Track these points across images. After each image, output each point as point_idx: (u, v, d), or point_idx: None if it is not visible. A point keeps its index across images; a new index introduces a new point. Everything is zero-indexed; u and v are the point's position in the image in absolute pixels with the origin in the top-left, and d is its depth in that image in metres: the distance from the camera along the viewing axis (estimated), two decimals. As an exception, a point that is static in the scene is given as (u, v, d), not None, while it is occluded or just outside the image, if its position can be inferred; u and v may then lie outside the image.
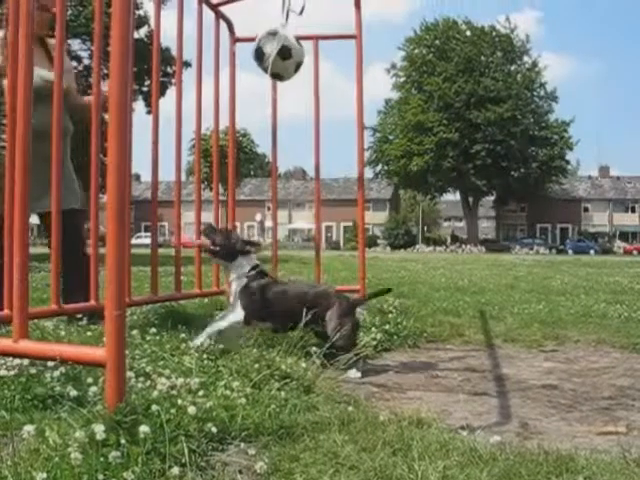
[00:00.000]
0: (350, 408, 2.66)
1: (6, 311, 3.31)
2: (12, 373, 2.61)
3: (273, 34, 4.81)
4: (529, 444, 2.40)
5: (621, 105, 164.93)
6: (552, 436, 2.62)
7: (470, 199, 71.93)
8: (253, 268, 3.88)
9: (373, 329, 4.63)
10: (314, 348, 3.48)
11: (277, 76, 5.07)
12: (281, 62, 4.84)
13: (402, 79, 72.30)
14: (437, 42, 69.41)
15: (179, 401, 2.23)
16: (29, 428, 2.00)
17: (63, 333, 3.90)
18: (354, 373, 3.65)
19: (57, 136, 3.80)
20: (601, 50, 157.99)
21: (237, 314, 3.77)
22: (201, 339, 3.63)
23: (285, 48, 4.81)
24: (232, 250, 3.91)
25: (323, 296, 3.93)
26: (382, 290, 4.52)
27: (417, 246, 70.43)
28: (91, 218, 4.22)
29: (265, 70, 4.92)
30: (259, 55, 4.86)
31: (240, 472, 2.01)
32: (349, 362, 3.57)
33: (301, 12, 4.89)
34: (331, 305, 3.85)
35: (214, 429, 2.14)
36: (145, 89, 27.71)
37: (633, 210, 78.16)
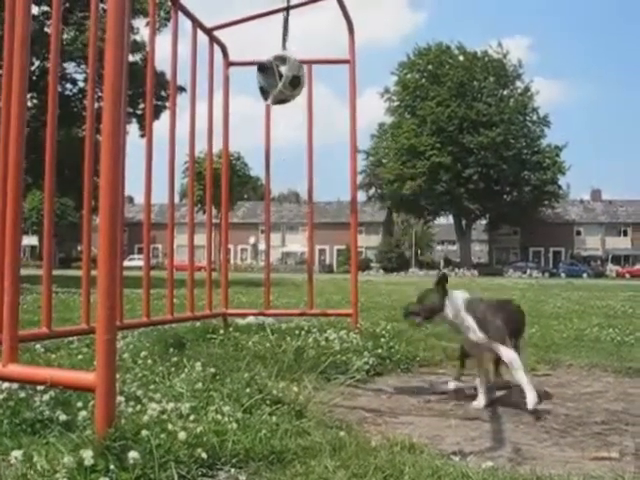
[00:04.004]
0: (342, 433, 2.63)
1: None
2: (1, 397, 2.59)
3: (300, 65, 4.95)
4: (522, 470, 2.38)
5: (612, 129, 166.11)
6: (545, 461, 2.60)
7: (463, 222, 72.09)
8: (465, 300, 3.65)
9: (365, 353, 4.61)
10: None
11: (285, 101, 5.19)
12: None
13: (395, 103, 72.74)
14: (430, 67, 69.89)
15: (169, 426, 2.21)
16: (17, 453, 1.98)
17: (54, 356, 3.87)
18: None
19: (49, 166, 3.80)
20: (590, 76, 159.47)
21: (508, 352, 3.53)
22: (531, 395, 3.41)
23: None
24: (434, 305, 3.64)
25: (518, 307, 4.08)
26: None
27: (410, 269, 70.36)
28: (84, 240, 4.21)
29: (292, 97, 5.06)
30: (297, 83, 4.96)
31: (230, 498, 1.99)
32: None
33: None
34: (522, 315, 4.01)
35: (204, 455, 2.12)
36: (139, 112, 27.77)
37: (625, 234, 78.40)
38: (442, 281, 3.65)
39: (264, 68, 5.02)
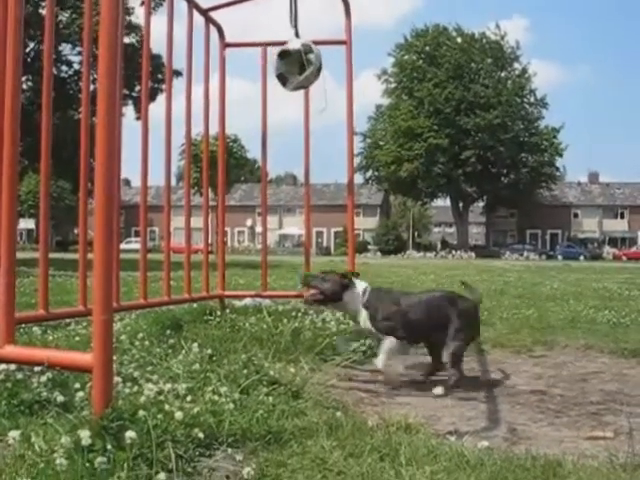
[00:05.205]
0: (338, 413, 2.65)
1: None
2: (-2, 378, 2.60)
3: (320, 53, 5.09)
4: (517, 449, 2.40)
5: (609, 112, 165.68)
6: (540, 441, 2.62)
7: (460, 205, 72.05)
8: (364, 292, 3.69)
9: (363, 334, 4.62)
10: None
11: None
12: None
13: (392, 85, 72.40)
14: (427, 48, 69.53)
15: (166, 406, 2.22)
16: (15, 434, 1.99)
17: (51, 338, 3.88)
18: (439, 391, 3.52)
19: (45, 148, 3.79)
20: (588, 58, 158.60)
21: (388, 341, 3.60)
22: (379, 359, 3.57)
23: None
24: (334, 294, 3.70)
25: (448, 300, 3.78)
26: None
27: (407, 252, 70.37)
28: (80, 223, 4.21)
29: (311, 84, 5.22)
30: (319, 70, 5.08)
31: (227, 478, 2.00)
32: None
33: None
34: (456, 308, 3.70)
35: (201, 434, 2.13)
36: (135, 94, 27.61)
37: (622, 216, 78.45)
38: (351, 275, 3.77)
39: (285, 55, 5.02)
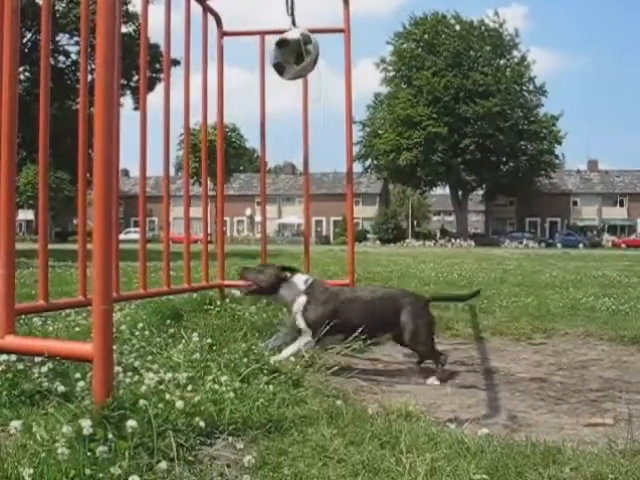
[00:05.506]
0: (338, 402, 2.66)
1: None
2: (-1, 369, 2.60)
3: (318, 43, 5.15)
4: (517, 436, 2.41)
5: (608, 100, 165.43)
6: (540, 428, 2.63)
7: (459, 193, 71.96)
8: (305, 289, 3.67)
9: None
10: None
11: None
12: None
13: (391, 73, 72.16)
14: (426, 36, 69.26)
15: (167, 396, 2.23)
16: (16, 424, 2.00)
17: (51, 329, 3.88)
18: (433, 381, 3.53)
19: (43, 138, 3.78)
20: (587, 46, 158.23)
21: (305, 336, 3.59)
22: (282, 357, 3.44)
23: None
24: (269, 287, 3.72)
25: (393, 298, 3.76)
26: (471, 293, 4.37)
27: (407, 240, 70.35)
28: (79, 213, 4.20)
29: (307, 73, 5.30)
30: (316, 61, 5.11)
31: (228, 466, 2.01)
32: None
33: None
34: (403, 307, 3.68)
35: (202, 423, 2.14)
36: (133, 84, 27.56)
37: (621, 204, 78.37)
38: (289, 270, 3.77)
39: (283, 44, 5.01)
